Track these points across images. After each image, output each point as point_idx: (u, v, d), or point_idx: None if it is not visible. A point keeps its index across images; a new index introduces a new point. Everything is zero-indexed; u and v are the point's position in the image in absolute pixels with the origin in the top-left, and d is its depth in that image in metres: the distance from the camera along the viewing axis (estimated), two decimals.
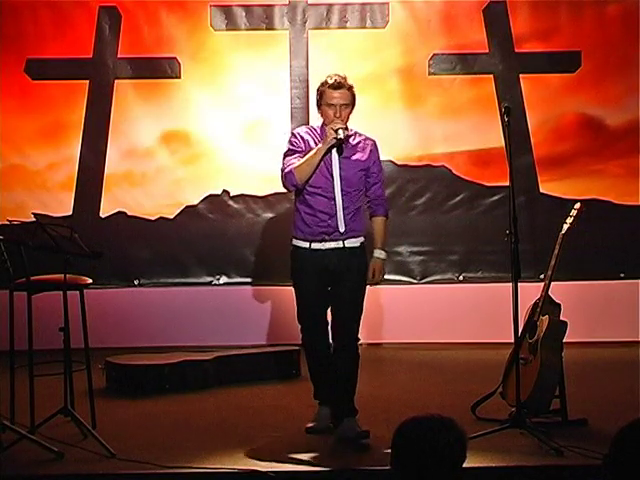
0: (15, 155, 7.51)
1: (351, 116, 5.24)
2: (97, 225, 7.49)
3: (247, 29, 7.51)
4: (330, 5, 7.51)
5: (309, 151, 5.15)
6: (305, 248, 5.20)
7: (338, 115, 5.12)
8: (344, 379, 5.17)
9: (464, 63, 7.53)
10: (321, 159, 5.11)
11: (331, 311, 5.25)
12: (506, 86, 7.51)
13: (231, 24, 7.49)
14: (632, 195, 7.52)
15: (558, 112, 7.56)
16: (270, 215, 7.59)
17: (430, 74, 7.52)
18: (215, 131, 7.53)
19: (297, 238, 5.25)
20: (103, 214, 7.56)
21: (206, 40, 7.52)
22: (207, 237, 7.59)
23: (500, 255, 6.88)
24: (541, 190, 7.56)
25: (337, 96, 5.13)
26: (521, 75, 7.52)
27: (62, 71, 7.48)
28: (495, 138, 7.30)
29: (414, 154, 7.51)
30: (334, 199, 5.15)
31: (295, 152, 5.19)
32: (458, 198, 7.60)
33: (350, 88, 5.17)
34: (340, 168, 5.16)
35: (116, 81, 7.51)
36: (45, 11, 7.45)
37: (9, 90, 7.47)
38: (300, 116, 7.50)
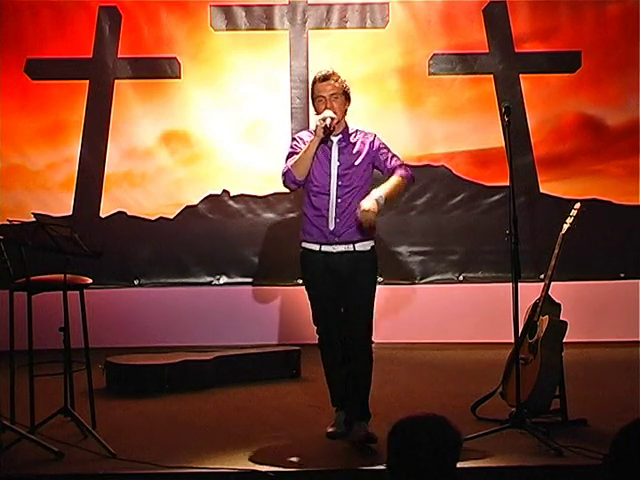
0: (15, 155, 7.51)
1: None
2: (97, 225, 7.49)
3: (247, 29, 7.50)
4: (330, 5, 7.50)
5: None
6: (315, 251, 5.16)
7: (329, 106, 5.10)
8: (356, 382, 5.15)
9: (464, 63, 7.53)
10: (315, 152, 5.08)
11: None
12: (506, 86, 7.51)
13: (231, 24, 7.49)
14: (632, 195, 7.51)
15: (558, 112, 7.56)
16: (270, 215, 7.59)
17: (430, 74, 7.52)
18: (215, 131, 7.53)
19: (307, 241, 5.20)
20: (103, 214, 7.56)
21: (206, 40, 7.51)
22: (207, 237, 7.58)
23: (500, 255, 6.87)
24: (541, 190, 7.56)
25: (324, 88, 5.12)
26: (521, 75, 7.52)
27: (62, 71, 7.48)
28: (495, 138, 7.30)
29: (414, 154, 7.49)
30: (329, 195, 5.13)
31: (294, 154, 5.19)
32: (458, 198, 7.60)
33: (338, 79, 5.15)
34: (339, 164, 5.14)
35: (116, 81, 7.51)
36: (45, 11, 7.45)
37: (9, 90, 7.46)
38: (300, 116, 7.49)
